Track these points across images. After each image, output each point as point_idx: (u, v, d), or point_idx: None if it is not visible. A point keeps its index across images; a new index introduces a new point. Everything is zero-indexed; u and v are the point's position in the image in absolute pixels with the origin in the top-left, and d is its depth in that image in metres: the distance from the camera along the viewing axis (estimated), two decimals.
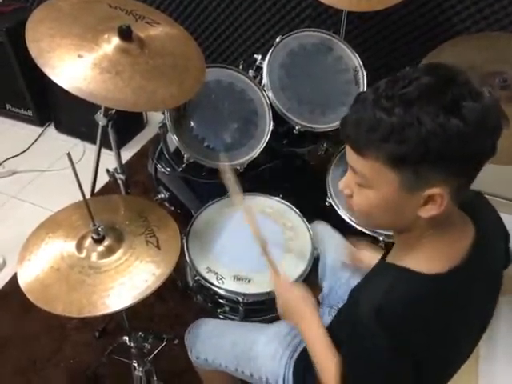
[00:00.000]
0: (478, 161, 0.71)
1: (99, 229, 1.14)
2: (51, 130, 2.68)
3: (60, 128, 2.66)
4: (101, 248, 1.16)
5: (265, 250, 1.16)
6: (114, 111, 1.39)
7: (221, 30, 2.08)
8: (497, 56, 1.47)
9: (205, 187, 1.76)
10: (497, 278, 0.89)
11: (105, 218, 1.23)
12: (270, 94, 1.52)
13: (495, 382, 1.59)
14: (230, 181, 1.21)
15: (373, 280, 0.87)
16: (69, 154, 0.99)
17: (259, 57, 1.60)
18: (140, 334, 1.50)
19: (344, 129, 0.75)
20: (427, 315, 0.75)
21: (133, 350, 1.47)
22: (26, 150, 2.55)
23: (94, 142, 2.53)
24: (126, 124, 2.40)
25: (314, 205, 1.60)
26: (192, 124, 1.47)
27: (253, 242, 1.36)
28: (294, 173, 1.83)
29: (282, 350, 1.15)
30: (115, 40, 1.17)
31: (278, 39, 1.58)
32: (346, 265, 1.31)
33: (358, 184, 0.77)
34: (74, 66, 1.11)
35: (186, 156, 1.44)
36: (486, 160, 0.72)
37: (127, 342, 1.47)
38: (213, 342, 1.26)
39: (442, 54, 1.53)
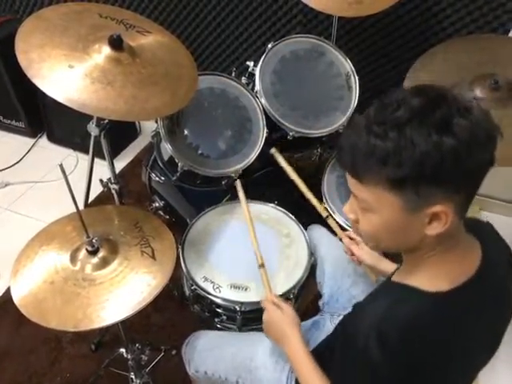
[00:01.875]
0: (476, 174, 0.71)
1: (93, 240, 1.13)
2: (44, 141, 2.67)
3: (53, 139, 2.64)
4: (95, 260, 1.15)
5: (263, 268, 1.22)
6: (106, 121, 1.38)
7: (212, 38, 2.08)
8: (488, 58, 1.48)
9: (199, 195, 1.75)
10: (506, 302, 0.86)
11: (99, 229, 1.22)
12: (263, 101, 1.52)
13: None
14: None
15: (376, 298, 0.85)
16: (61, 166, 0.98)
17: (251, 63, 1.60)
18: (137, 345, 1.48)
19: (340, 155, 0.76)
20: (429, 334, 0.74)
21: (130, 362, 1.45)
22: (18, 162, 2.53)
23: (87, 153, 2.51)
24: (119, 133, 2.39)
25: (309, 210, 1.59)
26: (185, 132, 1.46)
27: (249, 249, 1.37)
28: (288, 179, 1.82)
29: (283, 363, 1.14)
30: (106, 49, 1.16)
31: (269, 46, 1.58)
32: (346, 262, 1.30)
33: (362, 208, 0.77)
34: (64, 76, 1.10)
35: (180, 164, 1.43)
36: (486, 172, 0.72)
37: (124, 354, 1.45)
38: (212, 354, 1.24)
39: (433, 57, 1.53)
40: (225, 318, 1.37)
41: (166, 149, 1.50)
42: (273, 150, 1.57)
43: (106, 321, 1.06)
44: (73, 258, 1.15)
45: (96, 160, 2.20)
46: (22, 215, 2.24)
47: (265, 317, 1.11)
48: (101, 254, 1.15)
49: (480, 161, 0.69)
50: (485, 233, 0.86)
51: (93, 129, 1.36)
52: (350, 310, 1.04)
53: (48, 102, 2.50)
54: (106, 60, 1.15)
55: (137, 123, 2.66)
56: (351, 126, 0.74)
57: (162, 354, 1.59)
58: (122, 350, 1.47)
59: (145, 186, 1.94)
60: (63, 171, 0.98)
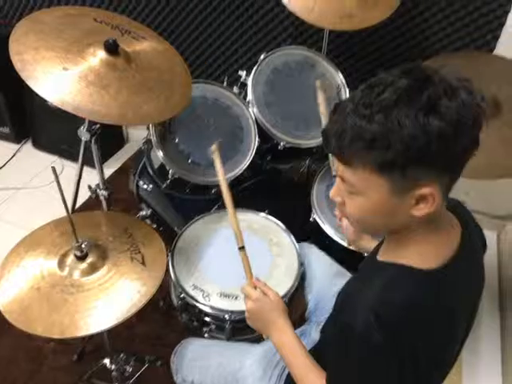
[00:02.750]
0: (462, 156, 0.72)
1: (82, 245, 1.11)
2: (28, 147, 2.63)
3: (38, 145, 2.61)
4: (84, 265, 1.13)
5: (243, 250, 1.14)
6: (97, 126, 1.37)
7: (204, 47, 2.09)
8: (473, 74, 1.51)
9: (188, 204, 1.74)
10: (481, 277, 0.89)
11: (87, 234, 1.20)
12: (255, 110, 1.52)
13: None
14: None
15: (366, 280, 0.83)
16: (53, 168, 0.96)
17: (243, 73, 1.60)
18: (121, 355, 1.45)
19: (327, 140, 0.75)
20: (429, 313, 0.74)
21: (114, 373, 1.42)
22: (1, 167, 2.48)
23: (72, 159, 2.52)
24: (106, 141, 2.37)
25: (299, 221, 1.59)
26: (177, 139, 1.45)
27: (239, 258, 1.36)
28: (279, 189, 1.83)
29: (270, 371, 1.13)
30: (101, 54, 1.16)
31: (262, 56, 1.59)
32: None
33: (349, 192, 0.77)
34: (59, 78, 1.09)
35: (170, 171, 1.42)
36: (471, 154, 0.72)
37: (108, 364, 1.42)
38: (199, 363, 1.22)
39: None
40: (213, 327, 1.35)
41: (157, 156, 1.49)
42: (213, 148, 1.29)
43: (94, 328, 1.04)
44: (60, 264, 1.13)
45: (86, 168, 2.18)
46: (4, 221, 2.19)
47: (249, 305, 1.03)
48: (89, 259, 1.13)
49: (466, 143, 0.70)
50: (463, 213, 0.87)
51: (84, 134, 1.34)
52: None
53: (34, 108, 2.47)
54: (101, 64, 1.15)
55: (124, 131, 2.65)
56: (337, 110, 0.73)
57: (147, 365, 1.55)
58: (106, 360, 1.44)
59: (132, 194, 1.92)
60: (55, 173, 0.97)
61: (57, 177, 0.98)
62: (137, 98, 1.15)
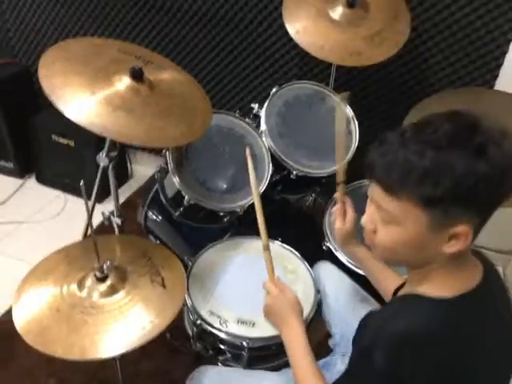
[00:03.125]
0: (500, 200, 0.75)
1: (104, 266, 1.10)
2: (32, 182, 2.62)
3: (41, 179, 2.61)
4: (103, 287, 1.11)
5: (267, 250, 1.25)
6: (115, 154, 1.39)
7: (217, 80, 2.17)
8: (476, 108, 1.58)
9: (199, 233, 1.74)
10: (507, 322, 0.88)
11: (106, 256, 1.19)
12: (269, 140, 1.56)
13: None
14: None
15: (385, 310, 0.87)
16: (82, 185, 0.97)
17: (256, 105, 1.65)
18: None
19: (372, 171, 0.78)
20: (433, 338, 0.75)
21: None
22: (4, 202, 2.47)
23: (75, 194, 2.53)
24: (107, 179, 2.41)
25: (310, 249, 1.59)
26: (193, 166, 1.47)
27: (255, 284, 1.35)
28: (288, 218, 1.84)
29: None
30: (127, 80, 1.19)
31: (274, 90, 1.65)
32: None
33: (384, 221, 0.79)
34: (87, 102, 1.12)
35: (186, 197, 1.43)
36: (507, 199, 0.75)
37: None
38: None
39: (427, 106, 1.63)
40: (229, 356, 1.32)
41: (171, 184, 1.51)
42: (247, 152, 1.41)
43: (115, 350, 1.02)
44: (80, 285, 1.12)
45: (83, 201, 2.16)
46: (6, 256, 2.16)
47: (267, 300, 1.15)
48: (109, 281, 1.12)
49: (507, 189, 0.74)
50: (484, 258, 0.89)
51: (102, 159, 1.36)
52: None
53: (39, 143, 2.49)
54: (126, 90, 1.18)
55: (129, 167, 2.67)
56: (385, 142, 0.76)
57: None
58: None
59: (139, 227, 1.91)
60: (83, 190, 0.97)
61: (85, 193, 0.98)
62: (161, 121, 1.18)
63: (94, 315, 1.06)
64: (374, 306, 1.31)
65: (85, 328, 1.03)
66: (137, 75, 1.19)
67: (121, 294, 1.11)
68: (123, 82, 1.19)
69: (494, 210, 0.76)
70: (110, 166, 1.40)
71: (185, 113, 1.25)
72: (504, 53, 1.82)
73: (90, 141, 2.36)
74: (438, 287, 0.79)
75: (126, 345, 1.02)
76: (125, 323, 1.05)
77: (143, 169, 2.69)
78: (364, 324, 0.91)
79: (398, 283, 1.10)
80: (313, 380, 0.94)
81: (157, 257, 1.22)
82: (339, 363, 1.23)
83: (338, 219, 1.22)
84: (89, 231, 1.64)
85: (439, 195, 0.71)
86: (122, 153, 2.47)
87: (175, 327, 1.75)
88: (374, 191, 0.80)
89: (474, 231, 0.76)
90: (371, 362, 0.74)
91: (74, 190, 2.51)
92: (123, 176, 2.65)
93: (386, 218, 0.79)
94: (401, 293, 0.90)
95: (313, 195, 1.93)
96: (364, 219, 0.85)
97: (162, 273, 1.17)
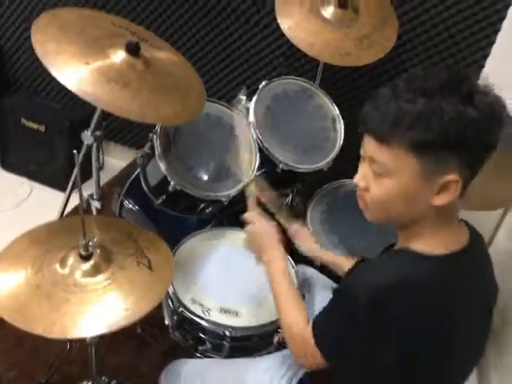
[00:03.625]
0: (485, 153, 0.79)
1: (90, 243, 1.05)
2: None
3: (6, 166, 2.48)
4: (87, 266, 1.06)
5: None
6: (101, 133, 1.34)
7: (204, 71, 2.13)
8: None
9: (176, 227, 1.69)
10: (493, 282, 0.92)
11: (90, 236, 1.13)
12: (256, 132, 1.55)
13: None
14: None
15: (374, 262, 0.90)
16: (76, 154, 0.92)
17: (244, 98, 1.64)
18: (103, 378, 1.34)
19: (367, 123, 0.81)
20: (421, 292, 0.78)
21: None
22: None
23: (41, 182, 2.42)
24: (83, 166, 2.32)
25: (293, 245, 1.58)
26: (181, 153, 1.44)
27: (239, 274, 1.33)
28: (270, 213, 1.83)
29: (277, 381, 1.07)
30: (122, 54, 1.16)
31: (263, 83, 1.64)
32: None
33: (377, 174, 0.81)
34: (81, 71, 1.07)
35: (172, 183, 1.39)
36: (491, 153, 0.79)
37: None
38: (197, 381, 1.15)
39: None
40: (209, 346, 1.28)
41: (155, 171, 1.46)
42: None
43: (98, 329, 0.97)
44: (62, 263, 1.06)
45: (52, 191, 2.12)
46: None
47: (249, 227, 1.15)
48: (93, 260, 1.07)
49: (492, 139, 0.78)
50: (470, 225, 0.92)
51: (88, 137, 1.31)
52: None
53: (5, 128, 2.38)
54: (122, 63, 1.14)
55: (101, 158, 2.58)
56: (378, 95, 0.80)
57: None
58: (86, 382, 1.32)
59: (113, 216, 1.85)
60: (77, 159, 0.92)
61: (78, 161, 0.93)
62: (156, 98, 1.14)
63: (77, 294, 1.01)
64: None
65: (67, 306, 0.98)
66: (133, 49, 1.15)
67: (105, 274, 1.06)
68: (119, 56, 1.15)
69: (481, 163, 0.80)
70: (94, 146, 1.35)
71: (179, 93, 1.22)
72: (485, 56, 1.85)
73: (62, 127, 2.27)
74: (428, 244, 0.82)
75: (110, 324, 0.97)
76: (108, 303, 1.00)
77: (115, 161, 2.61)
78: (351, 271, 0.97)
79: (350, 263, 1.15)
80: (293, 312, 0.96)
81: (143, 239, 1.18)
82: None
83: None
84: (76, 213, 1.57)
85: (430, 139, 0.74)
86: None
87: (146, 321, 1.71)
88: (367, 145, 0.82)
89: (463, 185, 0.79)
90: (356, 305, 0.77)
91: (39, 178, 2.40)
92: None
93: (379, 171, 0.81)
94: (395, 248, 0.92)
95: (293, 192, 1.93)
96: (357, 177, 0.86)
97: (148, 255, 1.13)
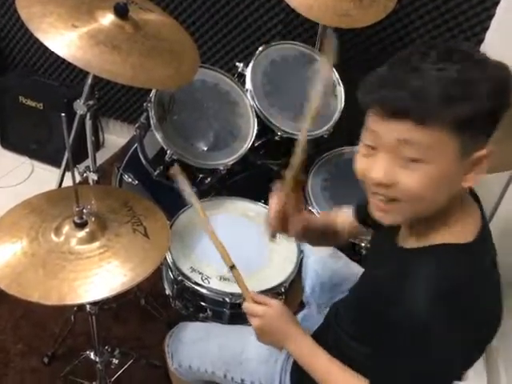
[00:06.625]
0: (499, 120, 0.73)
1: (84, 210, 1.03)
2: None
3: (6, 145, 2.47)
4: (82, 234, 1.04)
5: (235, 269, 1.03)
6: (94, 102, 1.31)
7: (197, 36, 2.07)
8: None
9: (175, 200, 1.68)
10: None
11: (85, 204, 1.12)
12: (254, 99, 1.51)
13: None
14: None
15: (406, 272, 0.76)
16: (63, 117, 0.89)
17: (241, 64, 1.60)
18: (106, 347, 1.34)
19: (400, 103, 0.68)
20: (484, 283, 0.75)
21: (98, 366, 1.30)
22: None
23: (42, 160, 2.40)
24: (82, 143, 2.30)
25: None
26: (177, 121, 1.41)
27: (238, 243, 1.31)
28: (268, 184, 1.80)
29: (276, 353, 1.06)
30: (110, 17, 1.12)
31: (260, 48, 1.60)
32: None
33: (411, 160, 0.70)
34: (68, 34, 1.04)
35: (168, 152, 1.37)
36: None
37: (92, 356, 1.30)
38: (198, 346, 1.15)
39: None
40: (210, 314, 1.28)
41: (152, 142, 1.44)
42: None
43: (96, 295, 0.96)
44: (57, 232, 1.05)
45: (49, 168, 2.10)
46: None
47: (256, 322, 0.94)
48: (88, 228, 1.05)
49: (508, 105, 0.72)
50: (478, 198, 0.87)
51: (80, 106, 1.28)
52: (339, 297, 1.04)
53: (4, 107, 2.36)
54: (110, 26, 1.11)
55: (101, 135, 2.56)
56: (401, 70, 0.70)
57: (132, 360, 1.44)
58: (89, 352, 1.32)
59: None
60: (64, 123, 0.90)
61: (65, 124, 0.91)
62: (148, 62, 1.11)
63: (73, 261, 0.99)
64: (343, 258, 1.31)
65: (62, 273, 0.97)
66: (121, 11, 1.12)
67: (101, 241, 1.05)
68: (107, 18, 1.11)
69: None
70: (88, 116, 1.32)
71: (172, 56, 1.18)
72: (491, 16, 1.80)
73: (60, 104, 2.24)
74: (459, 233, 0.76)
75: (107, 290, 0.96)
76: (105, 269, 0.99)
77: (115, 138, 2.59)
78: (377, 296, 0.81)
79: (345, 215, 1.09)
80: (348, 376, 0.85)
81: (138, 207, 1.16)
82: (315, 313, 1.21)
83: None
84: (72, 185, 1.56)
85: (472, 114, 0.67)
86: (94, 120, 2.37)
87: (150, 293, 1.71)
88: (395, 131, 0.70)
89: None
90: (427, 332, 0.70)
91: (40, 157, 2.39)
92: (95, 144, 2.54)
93: (414, 156, 0.69)
94: (407, 245, 0.82)
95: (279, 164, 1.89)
96: (376, 174, 0.72)
97: (144, 223, 1.11)
